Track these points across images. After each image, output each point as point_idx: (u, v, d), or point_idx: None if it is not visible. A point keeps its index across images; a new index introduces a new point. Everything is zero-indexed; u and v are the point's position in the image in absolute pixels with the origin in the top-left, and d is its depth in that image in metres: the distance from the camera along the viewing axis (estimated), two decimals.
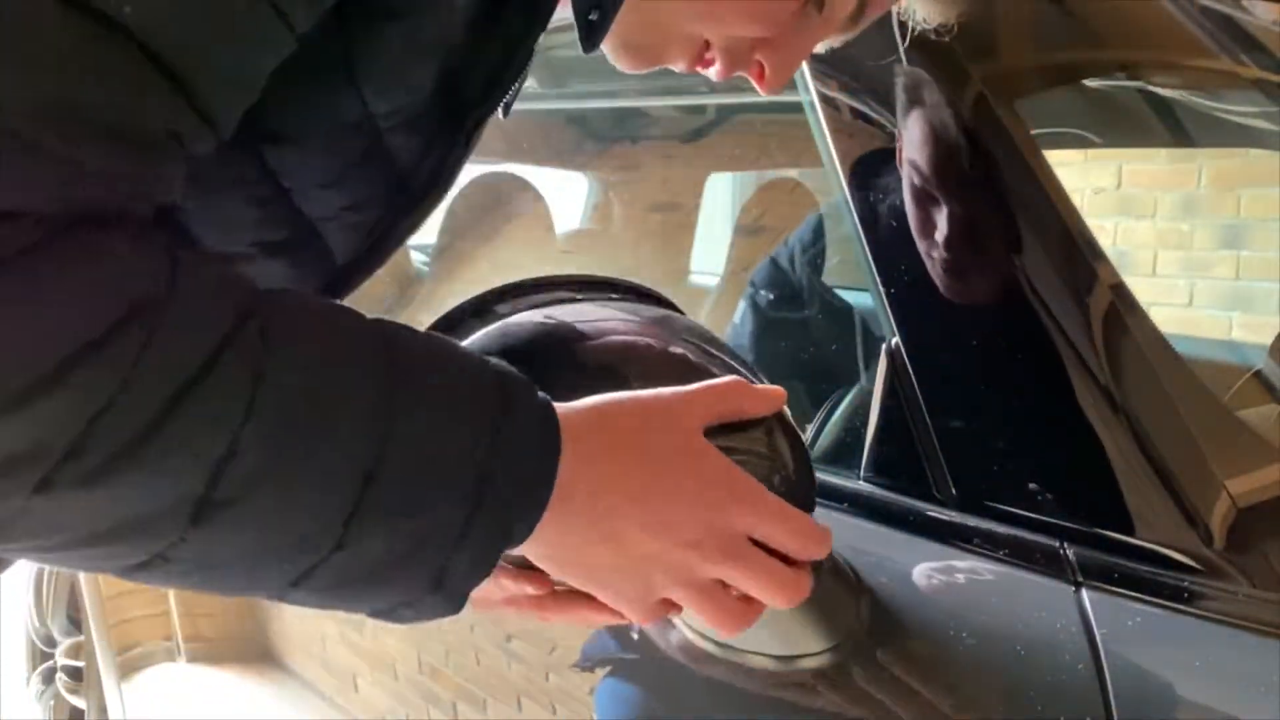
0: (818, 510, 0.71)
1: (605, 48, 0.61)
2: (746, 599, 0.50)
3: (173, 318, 0.36)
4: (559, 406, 0.46)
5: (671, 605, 0.50)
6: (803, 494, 0.54)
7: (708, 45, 0.60)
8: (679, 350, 0.54)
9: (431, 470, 0.41)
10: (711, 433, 0.50)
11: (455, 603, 0.44)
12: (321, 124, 0.52)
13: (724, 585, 0.49)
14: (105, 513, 0.36)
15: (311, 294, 0.45)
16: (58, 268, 0.34)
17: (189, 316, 0.37)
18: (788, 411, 0.55)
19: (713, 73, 0.61)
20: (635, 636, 0.78)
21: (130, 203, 0.38)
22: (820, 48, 0.67)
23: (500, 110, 0.68)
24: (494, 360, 0.46)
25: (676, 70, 0.62)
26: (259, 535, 0.39)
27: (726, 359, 0.56)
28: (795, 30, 0.60)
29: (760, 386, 0.52)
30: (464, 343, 0.54)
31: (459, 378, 0.43)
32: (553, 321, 0.55)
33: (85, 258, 0.35)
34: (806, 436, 0.89)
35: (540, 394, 0.46)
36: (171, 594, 1.53)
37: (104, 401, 0.34)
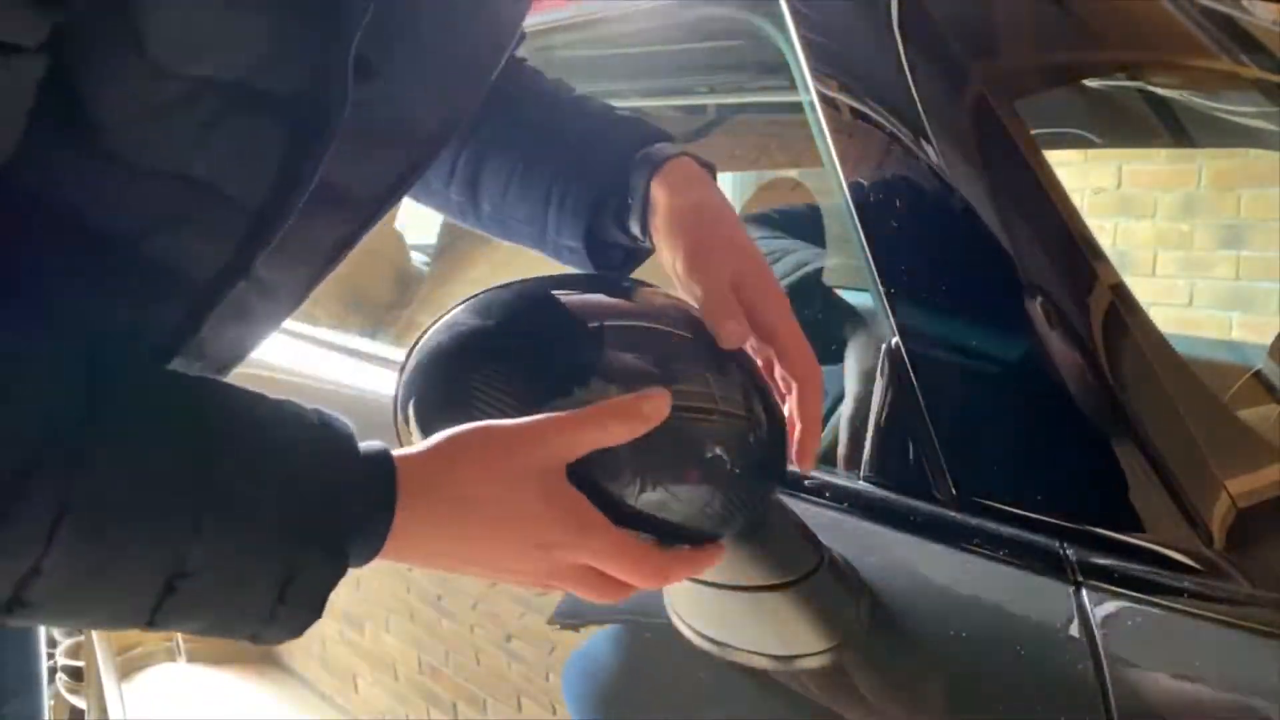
0: (817, 510, 0.72)
1: None
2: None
3: None
4: (407, 458, 0.51)
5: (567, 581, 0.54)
6: (771, 458, 0.57)
7: None
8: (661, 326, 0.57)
9: (233, 580, 0.47)
10: (679, 393, 0.53)
11: (313, 609, 0.49)
12: (142, 102, 0.49)
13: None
14: None
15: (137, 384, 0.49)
16: None
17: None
18: (756, 373, 0.58)
19: None
20: (648, 636, 0.78)
21: None
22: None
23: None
24: (325, 419, 0.50)
25: None
26: (76, 619, 0.47)
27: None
28: None
29: (638, 407, 0.52)
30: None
31: (269, 484, 0.47)
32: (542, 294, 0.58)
33: None
34: None
35: (371, 451, 0.50)
36: None
37: None
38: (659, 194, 0.68)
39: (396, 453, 0.51)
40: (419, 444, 0.52)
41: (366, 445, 0.51)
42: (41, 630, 0.85)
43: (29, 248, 0.51)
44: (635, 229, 0.69)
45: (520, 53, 0.78)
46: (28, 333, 0.49)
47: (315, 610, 0.49)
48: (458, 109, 0.65)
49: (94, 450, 0.44)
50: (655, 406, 0.52)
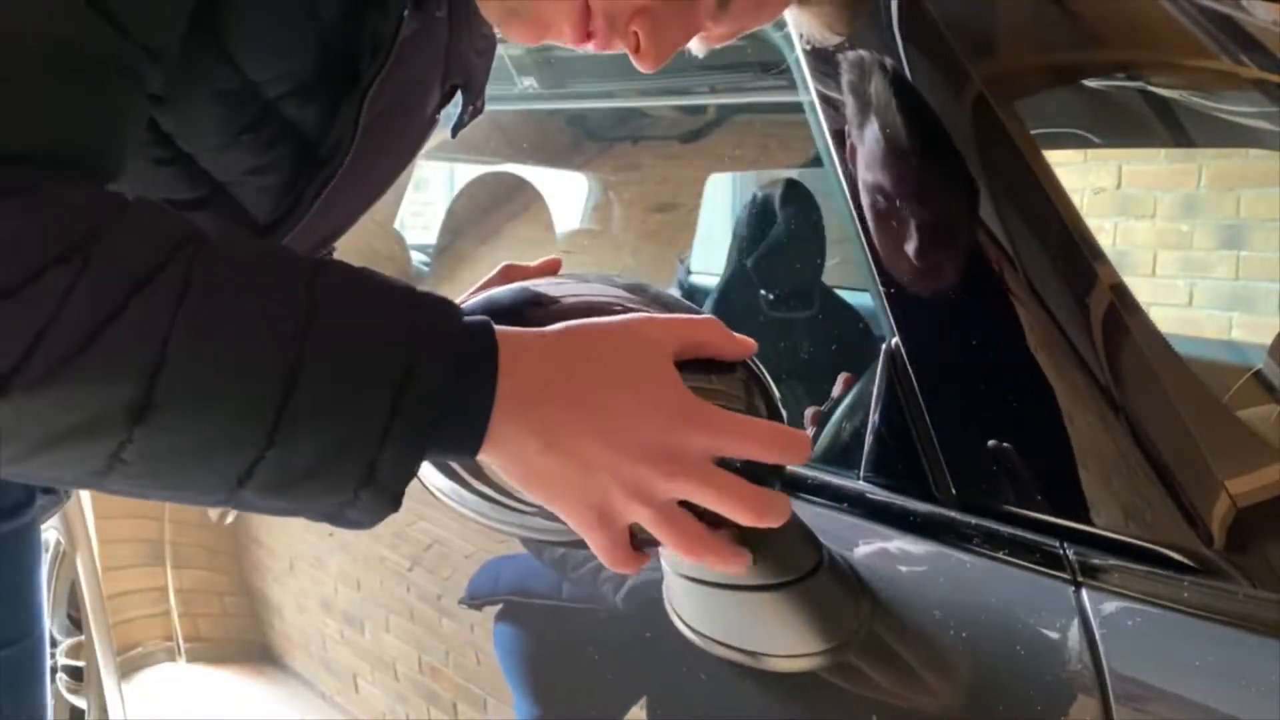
0: (817, 510, 0.71)
1: (491, 18, 0.63)
2: (712, 526, 0.50)
3: (107, 249, 0.42)
4: (522, 331, 0.48)
5: (641, 555, 0.51)
6: None
7: (589, 13, 0.61)
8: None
9: (349, 375, 0.44)
10: (686, 371, 0.51)
11: (391, 498, 0.47)
12: (201, 90, 0.55)
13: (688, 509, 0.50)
14: (56, 417, 0.41)
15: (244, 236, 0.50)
16: (9, 211, 0.41)
17: (122, 249, 0.42)
18: (761, 368, 0.57)
19: (594, 45, 0.62)
20: (646, 636, 0.78)
21: (90, 146, 0.46)
22: (699, 48, 0.68)
23: (450, 131, 0.72)
24: (426, 292, 0.48)
25: (562, 44, 0.63)
26: (196, 433, 0.43)
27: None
28: (673, 3, 0.61)
29: (736, 335, 0.53)
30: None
31: (377, 301, 0.46)
32: (532, 290, 0.57)
33: (33, 201, 0.41)
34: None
35: (478, 316, 0.48)
36: (171, 594, 1.53)
37: (45, 320, 0.40)
38: None
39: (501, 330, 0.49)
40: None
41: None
42: (41, 577, 0.85)
43: None
44: None
45: (520, 52, 0.83)
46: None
47: (431, 423, 0.45)
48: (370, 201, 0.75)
49: (206, 260, 0.43)
50: (746, 344, 0.53)
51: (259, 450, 0.43)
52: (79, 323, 0.40)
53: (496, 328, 0.48)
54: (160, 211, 0.45)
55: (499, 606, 0.91)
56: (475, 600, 0.94)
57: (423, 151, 0.78)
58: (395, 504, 0.47)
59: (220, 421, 0.43)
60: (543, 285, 0.58)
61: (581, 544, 0.52)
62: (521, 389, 0.47)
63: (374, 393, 0.44)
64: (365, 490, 0.46)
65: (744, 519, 0.50)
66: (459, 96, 0.75)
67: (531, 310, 0.55)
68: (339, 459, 0.45)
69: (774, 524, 0.50)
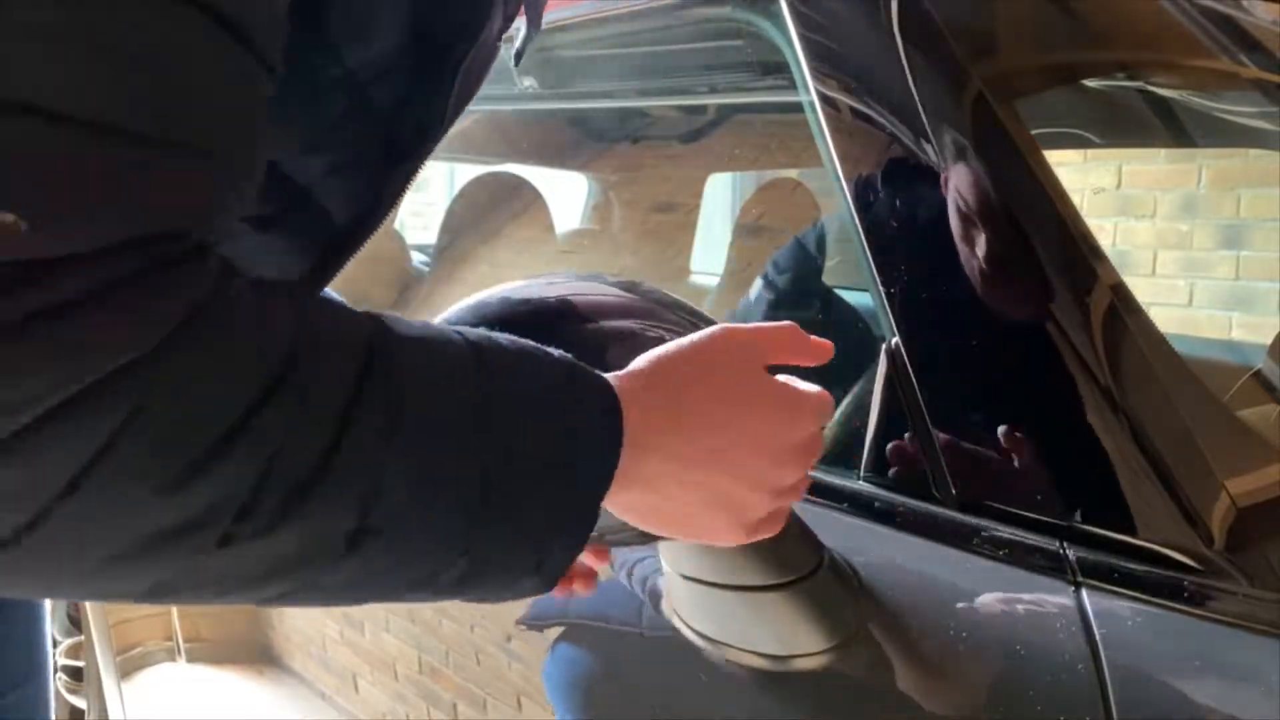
0: (817, 510, 0.71)
1: None
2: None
3: (305, 380, 0.38)
4: (616, 378, 0.48)
5: (766, 524, 0.52)
6: None
7: None
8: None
9: (527, 473, 0.44)
10: None
11: (549, 584, 0.47)
12: (303, 85, 0.51)
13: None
14: (274, 557, 0.38)
15: (399, 318, 0.46)
16: (223, 335, 0.36)
17: (321, 373, 0.38)
18: None
19: None
20: (644, 635, 0.78)
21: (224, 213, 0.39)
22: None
23: (512, 59, 0.69)
24: (555, 352, 0.47)
25: None
26: (401, 557, 0.42)
27: None
28: None
29: (814, 338, 0.55)
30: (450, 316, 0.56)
31: (537, 378, 0.45)
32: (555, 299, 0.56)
33: (234, 319, 0.36)
34: None
35: (599, 375, 0.47)
36: None
37: (266, 463, 0.36)
38: None
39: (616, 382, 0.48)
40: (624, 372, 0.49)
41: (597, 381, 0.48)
42: (46, 622, 0.86)
43: None
44: None
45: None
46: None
47: (590, 510, 0.46)
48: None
49: (399, 355, 0.41)
50: (826, 348, 0.55)
51: (451, 562, 0.43)
52: (300, 464, 0.37)
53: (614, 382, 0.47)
54: (332, 310, 0.42)
55: (559, 631, 0.89)
56: (539, 622, 0.91)
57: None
58: (553, 585, 0.47)
59: (427, 543, 0.42)
60: (532, 288, 0.58)
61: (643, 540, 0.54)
62: (635, 443, 0.46)
63: (552, 491, 0.45)
64: (531, 579, 0.46)
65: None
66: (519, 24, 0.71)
67: (522, 312, 0.55)
68: (513, 558, 0.45)
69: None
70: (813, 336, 0.55)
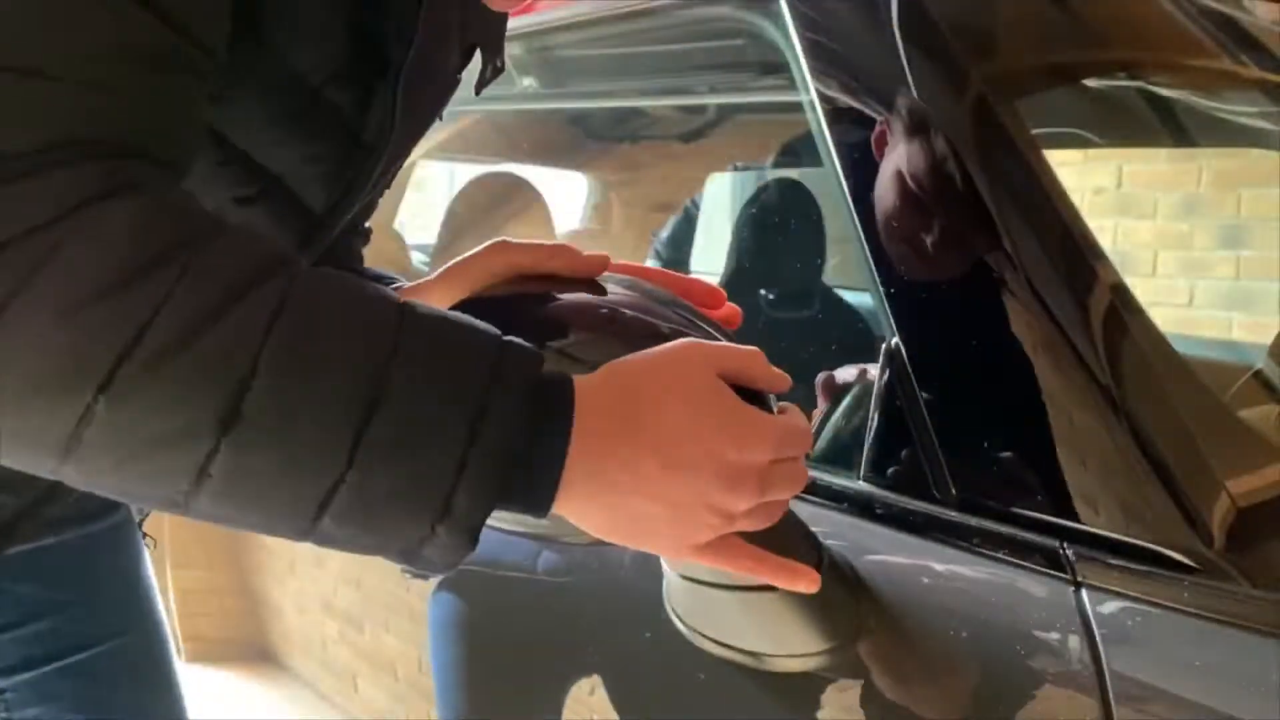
0: (817, 510, 0.71)
1: None
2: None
3: (207, 259, 0.42)
4: (577, 380, 0.48)
5: (720, 546, 0.52)
6: None
7: None
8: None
9: (429, 407, 0.45)
10: None
11: (468, 533, 0.46)
12: (249, 86, 0.56)
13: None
14: (146, 424, 0.42)
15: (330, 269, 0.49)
16: (126, 208, 0.42)
17: (221, 261, 0.43)
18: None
19: None
20: (647, 635, 0.78)
21: (173, 144, 0.46)
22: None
23: (473, 90, 0.75)
24: (503, 334, 0.48)
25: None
26: (280, 450, 0.43)
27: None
28: None
29: (774, 369, 0.54)
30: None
31: (461, 342, 0.47)
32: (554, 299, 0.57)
33: (142, 200, 0.42)
34: None
35: (553, 371, 0.48)
36: (172, 594, 1.53)
37: (142, 321, 0.41)
38: None
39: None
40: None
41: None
42: (146, 568, 0.87)
43: None
44: None
45: (520, 52, 0.83)
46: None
47: (506, 465, 0.46)
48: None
49: (301, 285, 0.44)
50: (784, 379, 0.54)
51: (338, 474, 0.44)
52: (176, 326, 0.41)
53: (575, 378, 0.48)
54: (257, 237, 0.46)
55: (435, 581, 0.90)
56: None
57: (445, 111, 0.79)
58: (473, 542, 0.47)
59: (303, 441, 0.44)
60: (531, 286, 0.58)
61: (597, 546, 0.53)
62: (589, 444, 0.47)
63: (452, 426, 0.45)
64: (441, 524, 0.46)
65: (795, 493, 0.53)
66: (479, 56, 0.75)
67: (518, 306, 0.56)
68: (415, 489, 0.45)
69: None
70: (774, 368, 0.53)
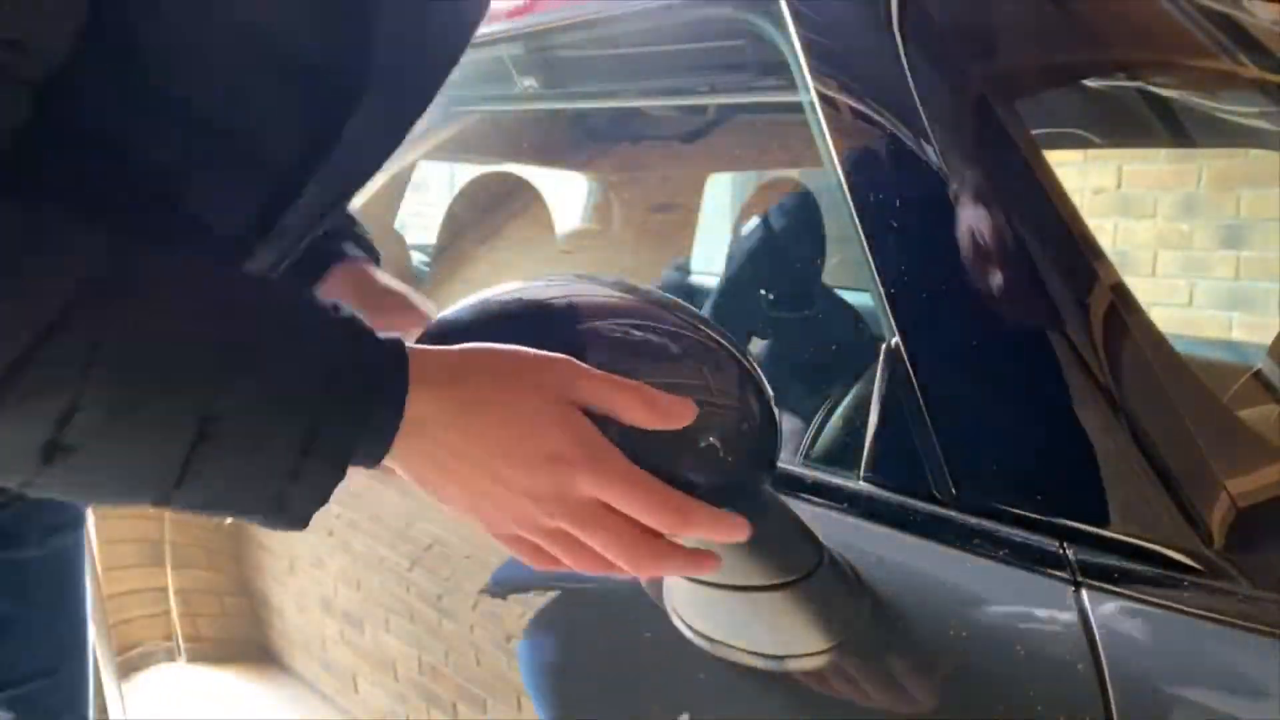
0: (815, 510, 0.71)
1: None
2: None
3: (7, 294, 0.42)
4: (425, 349, 0.50)
5: (525, 543, 0.53)
6: (757, 448, 0.56)
7: None
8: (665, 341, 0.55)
9: (260, 424, 0.46)
10: (681, 364, 0.52)
11: (300, 523, 0.49)
12: (196, 36, 0.53)
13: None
14: None
15: (163, 255, 0.48)
16: None
17: (25, 291, 0.42)
18: (756, 367, 0.57)
19: None
20: (647, 636, 0.78)
21: None
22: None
23: None
24: (341, 308, 0.49)
25: None
26: (109, 473, 0.45)
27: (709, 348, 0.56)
28: None
29: (663, 400, 0.51)
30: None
31: (296, 332, 0.48)
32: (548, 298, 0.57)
33: None
34: (807, 436, 0.89)
35: (389, 338, 0.50)
36: (171, 594, 1.53)
37: None
38: None
39: (411, 345, 0.51)
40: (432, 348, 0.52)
41: (383, 333, 0.50)
42: (86, 609, 0.86)
43: (64, 173, 0.53)
44: None
45: (520, 51, 0.80)
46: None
47: (339, 468, 0.48)
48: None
49: (124, 294, 0.44)
50: (680, 410, 0.51)
51: (169, 487, 0.46)
52: None
53: (409, 347, 0.50)
54: (57, 232, 0.45)
55: (522, 622, 0.90)
56: (499, 589, 0.93)
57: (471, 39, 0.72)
58: (303, 525, 0.49)
59: (130, 467, 0.45)
60: (530, 289, 0.58)
61: None
62: (428, 416, 0.49)
63: (281, 446, 0.46)
64: (277, 515, 0.48)
65: (626, 571, 0.51)
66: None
67: (516, 311, 0.56)
68: (247, 494, 0.47)
69: (733, 538, 0.52)
70: (672, 397, 0.51)
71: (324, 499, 0.49)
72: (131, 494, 0.47)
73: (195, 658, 1.50)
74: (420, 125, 0.71)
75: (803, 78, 0.82)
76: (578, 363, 0.51)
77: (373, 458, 0.49)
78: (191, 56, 0.54)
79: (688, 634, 0.68)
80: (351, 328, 0.49)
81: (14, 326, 0.42)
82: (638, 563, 0.50)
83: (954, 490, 0.66)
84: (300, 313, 0.49)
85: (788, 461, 0.80)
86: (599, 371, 0.51)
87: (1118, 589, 0.57)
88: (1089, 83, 1.03)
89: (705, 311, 1.02)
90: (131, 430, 0.44)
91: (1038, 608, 0.59)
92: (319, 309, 0.49)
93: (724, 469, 0.54)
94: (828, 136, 0.79)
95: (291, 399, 0.46)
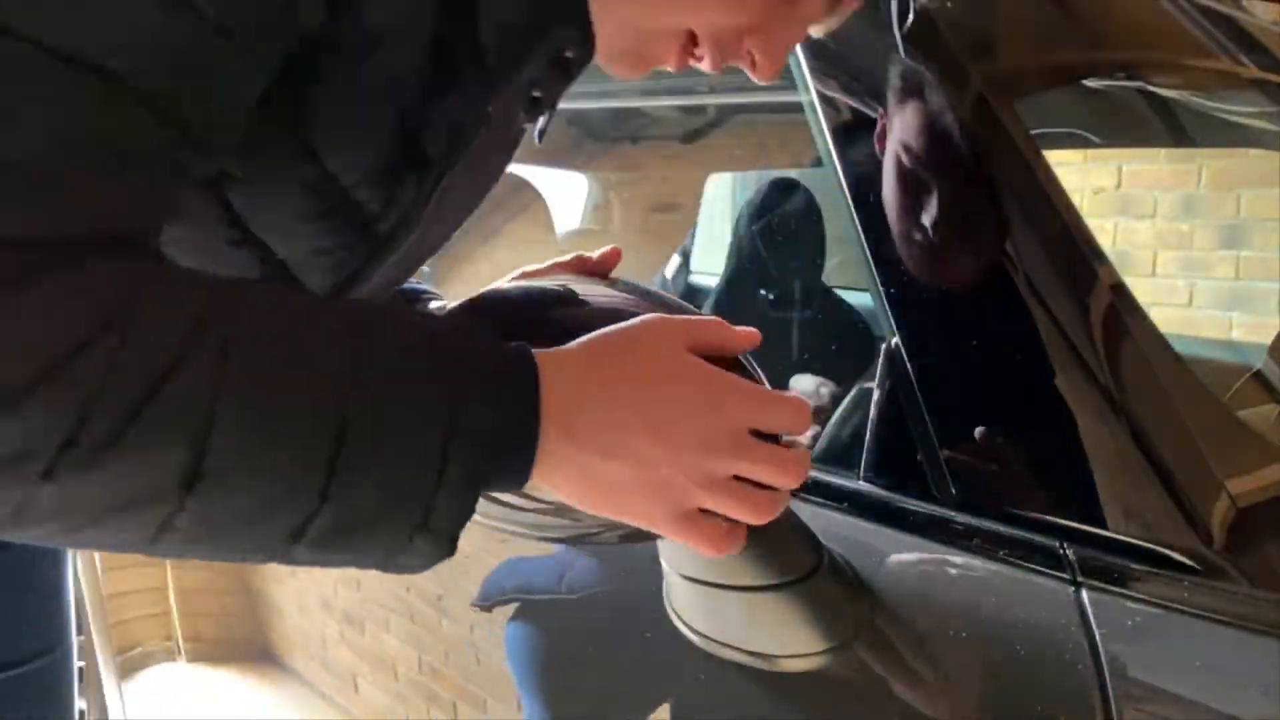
0: (817, 510, 0.71)
1: (598, 61, 0.63)
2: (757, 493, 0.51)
3: (143, 322, 0.41)
4: (543, 351, 0.49)
5: (702, 521, 0.51)
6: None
7: (694, 39, 0.61)
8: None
9: (397, 426, 0.44)
10: None
11: (445, 545, 0.47)
12: (279, 177, 0.54)
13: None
14: (104, 496, 0.41)
15: (279, 286, 0.48)
16: (44, 289, 0.40)
17: (157, 320, 0.41)
18: (757, 369, 0.57)
19: (705, 65, 0.63)
20: (648, 635, 0.78)
21: (122, 227, 0.43)
22: (816, 32, 0.68)
23: (536, 137, 0.73)
24: (459, 319, 0.49)
25: (670, 70, 0.63)
26: (249, 497, 0.43)
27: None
28: (779, 16, 0.61)
29: (738, 328, 0.54)
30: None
31: (421, 340, 0.46)
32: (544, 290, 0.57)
33: (64, 279, 0.40)
34: (806, 437, 0.89)
35: (512, 343, 0.48)
36: (171, 594, 1.53)
37: (88, 397, 0.39)
38: None
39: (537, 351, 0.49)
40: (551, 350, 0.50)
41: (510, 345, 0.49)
42: (68, 596, 0.86)
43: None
44: None
45: None
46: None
47: (478, 467, 0.46)
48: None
49: (241, 326, 0.43)
50: (747, 336, 0.53)
51: (312, 508, 0.44)
52: (122, 398, 0.40)
53: (534, 351, 0.49)
54: (187, 277, 0.44)
55: (510, 609, 0.91)
56: (486, 603, 0.95)
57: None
58: (451, 548, 0.47)
59: (272, 484, 0.43)
60: (573, 285, 0.59)
61: (579, 539, 0.52)
62: (563, 408, 0.48)
63: (424, 441, 0.45)
64: (420, 536, 0.46)
65: (789, 484, 0.51)
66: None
67: (561, 308, 0.56)
68: (392, 509, 0.45)
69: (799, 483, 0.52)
70: (738, 327, 0.53)
71: (472, 504, 0.46)
72: (266, 528, 0.44)
73: (195, 658, 1.51)
74: None
75: (803, 78, 0.82)
76: (667, 317, 0.52)
77: (522, 462, 0.48)
78: (277, 199, 0.55)
79: (688, 634, 0.68)
80: (473, 341, 0.48)
81: (147, 353, 0.40)
82: (796, 471, 0.51)
83: (954, 490, 0.67)
84: (423, 326, 0.48)
85: None
86: (684, 317, 0.52)
87: (1117, 589, 0.57)
88: (1089, 83, 1.03)
89: (705, 311, 1.02)
90: (268, 442, 0.42)
91: (1038, 608, 0.59)
92: (439, 324, 0.48)
93: None
94: (828, 136, 0.79)
95: (431, 395, 0.45)
